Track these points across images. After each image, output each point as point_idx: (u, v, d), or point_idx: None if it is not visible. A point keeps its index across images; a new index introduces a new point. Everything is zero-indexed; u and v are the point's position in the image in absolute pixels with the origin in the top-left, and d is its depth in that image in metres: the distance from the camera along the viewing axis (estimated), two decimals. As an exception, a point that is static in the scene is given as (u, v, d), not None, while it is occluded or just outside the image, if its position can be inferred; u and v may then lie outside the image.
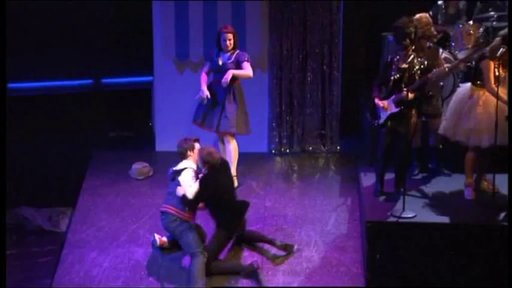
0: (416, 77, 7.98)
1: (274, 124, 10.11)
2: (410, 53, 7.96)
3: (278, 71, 10.01)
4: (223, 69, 8.82)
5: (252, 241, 8.18)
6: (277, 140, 10.14)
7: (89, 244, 8.28)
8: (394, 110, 8.01)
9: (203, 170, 7.89)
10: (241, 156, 9.13)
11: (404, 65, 7.98)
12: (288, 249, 8.10)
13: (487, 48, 7.99)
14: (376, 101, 8.06)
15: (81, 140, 10.23)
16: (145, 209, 8.74)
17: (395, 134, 8.10)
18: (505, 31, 7.91)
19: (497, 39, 7.92)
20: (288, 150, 10.15)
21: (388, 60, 8.08)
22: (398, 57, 8.02)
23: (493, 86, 7.83)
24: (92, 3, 10.46)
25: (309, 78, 10.03)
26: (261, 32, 9.88)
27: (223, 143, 8.97)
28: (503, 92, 7.83)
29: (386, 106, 8.02)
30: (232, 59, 8.83)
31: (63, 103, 10.47)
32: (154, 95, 10.11)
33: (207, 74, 8.98)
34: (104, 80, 10.91)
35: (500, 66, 7.80)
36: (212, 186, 7.78)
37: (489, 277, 7.67)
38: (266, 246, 8.15)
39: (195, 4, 9.76)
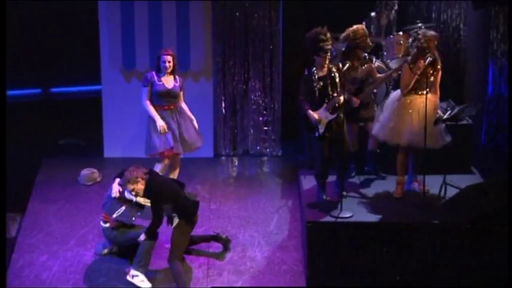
0: (337, 81, 7.95)
1: (218, 129, 10.23)
2: (327, 61, 7.93)
3: (222, 77, 10.13)
4: (172, 94, 8.67)
5: (193, 244, 8.13)
6: (221, 144, 10.28)
7: (39, 248, 8.28)
8: (332, 117, 7.96)
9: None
10: (187, 160, 9.20)
11: (324, 74, 7.94)
12: (226, 244, 8.21)
13: (409, 57, 8.28)
14: (310, 113, 7.91)
15: (31, 148, 10.19)
16: (94, 214, 8.73)
17: (333, 141, 8.05)
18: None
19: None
20: (232, 154, 10.30)
21: (306, 73, 7.95)
22: (315, 68, 7.95)
23: (403, 89, 8.11)
24: (39, 13, 10.44)
25: (251, 85, 10.20)
26: (205, 40, 9.95)
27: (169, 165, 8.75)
28: (433, 97, 8.12)
29: (319, 117, 7.92)
30: (179, 83, 8.75)
31: (13, 112, 10.04)
32: (103, 103, 10.09)
33: (150, 100, 8.72)
34: (53, 90, 10.90)
35: (429, 73, 8.03)
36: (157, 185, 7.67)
37: (422, 271, 7.86)
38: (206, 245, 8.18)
39: (141, 15, 9.83)
